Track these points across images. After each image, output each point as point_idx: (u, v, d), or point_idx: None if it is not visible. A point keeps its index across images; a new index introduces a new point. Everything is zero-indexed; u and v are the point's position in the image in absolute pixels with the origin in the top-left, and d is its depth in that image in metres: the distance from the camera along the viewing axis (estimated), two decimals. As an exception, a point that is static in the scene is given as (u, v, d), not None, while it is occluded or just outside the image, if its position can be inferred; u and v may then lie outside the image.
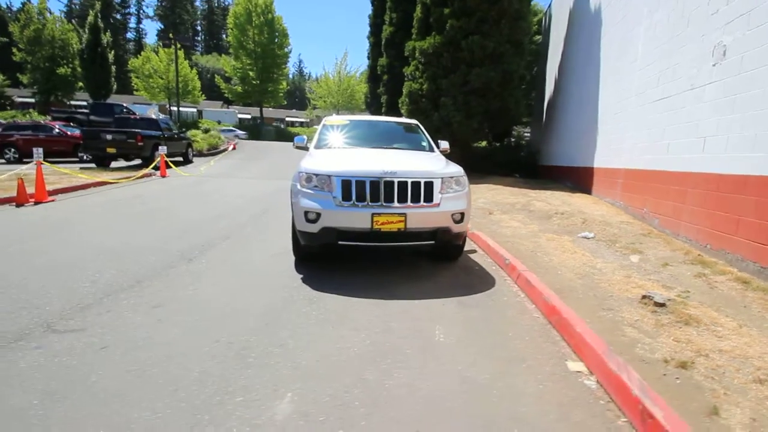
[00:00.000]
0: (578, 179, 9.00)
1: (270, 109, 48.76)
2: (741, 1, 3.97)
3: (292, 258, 4.18)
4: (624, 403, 1.88)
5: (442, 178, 3.72)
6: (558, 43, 12.49)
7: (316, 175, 3.69)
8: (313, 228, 3.60)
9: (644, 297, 3.16)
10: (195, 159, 16.04)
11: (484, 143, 15.63)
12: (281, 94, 41.01)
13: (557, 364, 2.32)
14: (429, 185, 3.65)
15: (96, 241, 4.62)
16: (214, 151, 18.79)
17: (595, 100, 8.23)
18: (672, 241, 4.77)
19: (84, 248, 4.33)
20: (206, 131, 20.91)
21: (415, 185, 3.60)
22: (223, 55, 38.87)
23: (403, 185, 3.57)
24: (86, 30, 29.84)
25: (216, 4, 79.41)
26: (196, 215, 6.36)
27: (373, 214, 3.50)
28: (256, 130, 35.73)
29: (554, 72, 12.66)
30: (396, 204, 3.55)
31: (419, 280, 3.76)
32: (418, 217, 3.57)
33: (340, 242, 3.61)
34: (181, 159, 14.73)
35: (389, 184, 3.55)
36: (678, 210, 4.85)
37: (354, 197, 3.54)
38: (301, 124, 51.44)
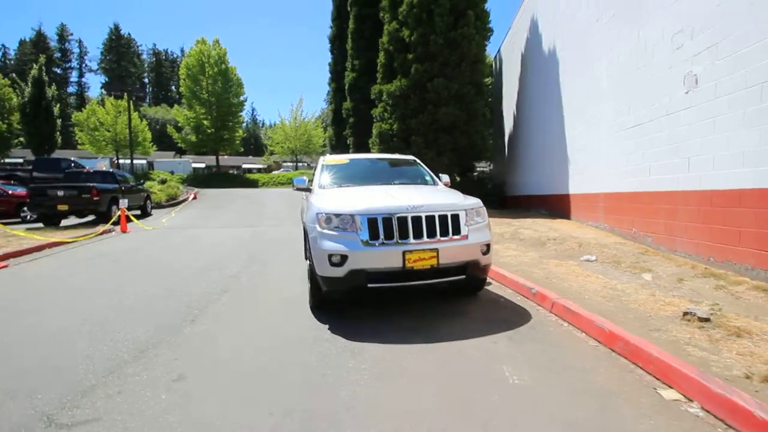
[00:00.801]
0: (554, 206, 9.38)
1: (226, 156, 47.96)
2: (705, 37, 4.45)
3: (303, 308, 3.85)
4: (750, 427, 1.77)
5: (466, 210, 3.64)
6: (512, 83, 13.43)
7: (337, 215, 3.48)
8: (339, 272, 3.34)
9: (686, 314, 3.17)
10: (154, 211, 15.09)
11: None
12: (237, 142, 40.54)
13: (650, 394, 2.19)
14: (456, 218, 3.55)
15: (76, 308, 4.00)
16: (173, 201, 17.85)
17: (562, 132, 8.77)
18: (672, 257, 4.96)
19: (63, 317, 3.72)
20: (163, 182, 19.91)
21: (443, 219, 3.49)
22: (175, 105, 38.07)
23: (431, 219, 3.45)
24: (29, 84, 28.27)
25: (164, 57, 78.96)
26: (178, 269, 5.81)
27: (404, 252, 3.31)
28: (213, 178, 34.58)
29: (512, 110, 13.51)
30: (426, 239, 3.41)
31: (453, 318, 3.56)
32: (450, 251, 3.44)
33: (369, 285, 3.37)
34: (139, 212, 13.78)
35: (417, 220, 3.41)
36: (671, 227, 5.09)
37: (382, 235, 3.36)
38: (259, 170, 50.79)
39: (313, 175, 6.31)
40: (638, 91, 5.82)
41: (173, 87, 72.61)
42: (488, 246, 3.68)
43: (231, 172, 46.17)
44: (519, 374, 2.46)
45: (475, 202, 3.83)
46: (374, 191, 4.21)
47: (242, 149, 46.09)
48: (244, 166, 54.10)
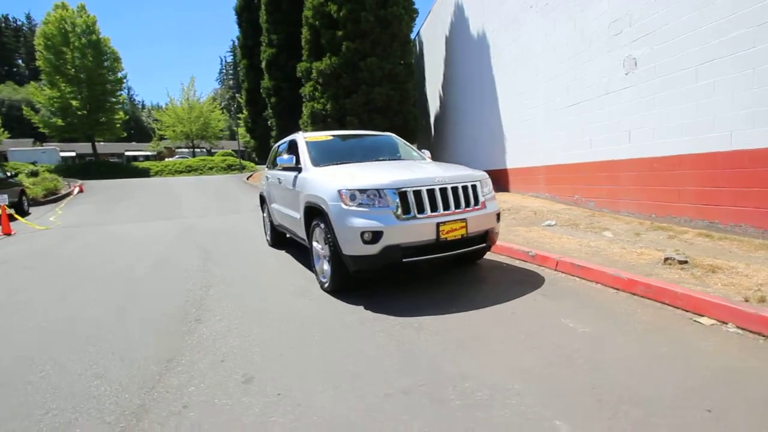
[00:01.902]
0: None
1: (102, 143, 41.36)
2: (643, 24, 5.18)
3: (320, 294, 3.63)
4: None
5: (480, 181, 3.76)
6: (436, 65, 13.94)
7: (363, 190, 3.31)
8: (373, 249, 3.21)
9: (666, 259, 3.76)
10: (32, 209, 12.42)
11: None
12: (118, 125, 35.17)
13: (692, 323, 2.60)
14: (474, 188, 3.65)
15: (16, 340, 3.16)
16: (53, 196, 14.87)
17: (497, 112, 9.46)
18: (618, 217, 5.80)
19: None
20: (34, 174, 16.39)
21: (465, 189, 3.56)
22: (32, 83, 31.28)
23: (456, 190, 3.49)
24: None
25: (4, 24, 63.60)
26: (123, 271, 4.93)
27: (438, 224, 3.31)
28: (91, 168, 29.45)
29: (437, 91, 14.07)
30: (455, 210, 3.45)
31: (478, 285, 3.71)
32: (475, 220, 3.53)
33: (405, 260, 3.30)
34: (13, 210, 11.21)
35: (444, 191, 3.43)
36: (613, 192, 5.93)
37: (415, 208, 3.30)
38: (146, 157, 44.86)
39: (277, 154, 5.87)
40: (576, 73, 6.55)
41: (20, 61, 59.41)
42: (498, 215, 3.87)
43: (113, 160, 40.10)
44: (580, 325, 2.69)
45: (483, 173, 3.96)
46: (379, 167, 4.08)
47: (125, 134, 40.17)
48: (128, 153, 47.32)
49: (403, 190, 3.30)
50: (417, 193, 3.33)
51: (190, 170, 34.35)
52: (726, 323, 2.53)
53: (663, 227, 4.91)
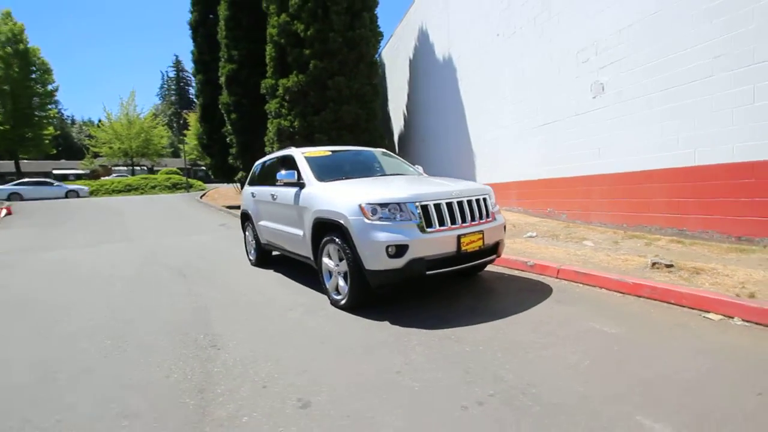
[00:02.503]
0: (460, 197, 10.48)
1: (26, 161, 37.58)
2: (609, 54, 5.75)
3: (335, 312, 3.54)
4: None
5: (488, 194, 3.90)
6: (399, 87, 14.37)
7: (384, 204, 3.30)
8: (398, 263, 3.20)
9: (654, 264, 4.10)
10: (-50, 235, 10.85)
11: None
12: (47, 142, 32.17)
13: (703, 319, 2.85)
14: (485, 201, 3.78)
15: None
16: (-27, 220, 13.13)
17: (466, 131, 9.90)
18: (592, 228, 6.24)
19: None
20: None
21: (478, 202, 3.68)
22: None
23: (470, 203, 3.59)
24: None
25: None
26: (98, 297, 4.45)
27: (459, 236, 3.38)
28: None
29: (401, 111, 14.46)
30: (472, 222, 3.54)
31: (490, 296, 3.80)
32: (490, 232, 3.64)
33: (428, 273, 3.31)
34: (-72, 237, 9.76)
35: (461, 204, 3.52)
36: (586, 204, 6.40)
37: (436, 221, 3.34)
38: (79, 176, 41.15)
39: (264, 171, 5.69)
40: (546, 96, 7.07)
41: None
42: (505, 226, 4.03)
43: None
44: (607, 327, 2.85)
45: (488, 187, 4.11)
46: (390, 182, 4.10)
47: (54, 151, 36.75)
48: (56, 171, 43.11)
49: (424, 203, 3.34)
50: (437, 207, 3.38)
51: (130, 189, 32.05)
52: (732, 317, 2.81)
53: (637, 236, 5.36)
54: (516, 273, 4.57)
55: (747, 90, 4.12)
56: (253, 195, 5.70)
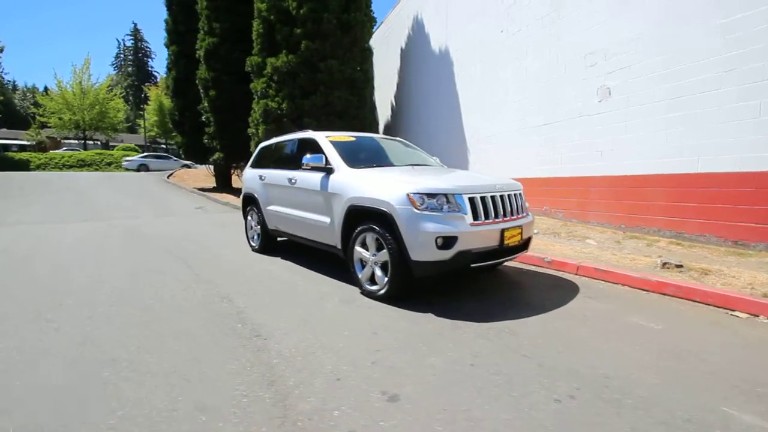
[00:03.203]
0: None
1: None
2: (618, 59, 5.96)
3: (370, 302, 3.47)
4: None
5: (521, 190, 3.96)
6: (389, 75, 14.21)
7: (432, 195, 3.26)
8: (446, 255, 3.18)
9: (665, 264, 4.35)
10: None
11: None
12: (-13, 107, 29.12)
13: (730, 317, 3.06)
14: (521, 197, 3.84)
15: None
16: None
17: (460, 126, 9.97)
18: (590, 227, 6.51)
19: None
20: None
21: (515, 197, 3.72)
22: None
23: (510, 198, 3.63)
24: None
25: None
26: (94, 283, 4.10)
27: (503, 230, 3.40)
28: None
29: (389, 101, 14.33)
30: (513, 217, 3.58)
31: (519, 291, 3.87)
32: (526, 227, 3.71)
33: (472, 265, 3.32)
34: None
35: (503, 198, 3.54)
36: (584, 204, 6.65)
37: (483, 215, 3.35)
38: (23, 147, 37.72)
39: (268, 152, 5.47)
40: (549, 96, 7.24)
41: None
42: (533, 222, 4.11)
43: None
44: (648, 322, 2.98)
45: (519, 183, 4.16)
46: (428, 172, 4.03)
47: (-5, 118, 33.42)
48: (-4, 141, 39.25)
49: (472, 195, 3.33)
50: (483, 200, 3.38)
51: (83, 165, 29.83)
52: (758, 316, 3.04)
53: (636, 236, 5.65)
54: (533, 268, 4.68)
55: (754, 105, 4.42)
56: (261, 178, 5.44)
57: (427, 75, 11.63)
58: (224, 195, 14.57)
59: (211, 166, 17.82)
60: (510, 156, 8.27)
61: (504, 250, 3.47)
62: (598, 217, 6.44)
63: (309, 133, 4.86)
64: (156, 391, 2.09)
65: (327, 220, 4.10)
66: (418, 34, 12.19)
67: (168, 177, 19.92)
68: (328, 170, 4.13)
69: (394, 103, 14.07)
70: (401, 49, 13.30)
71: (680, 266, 4.26)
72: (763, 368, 2.32)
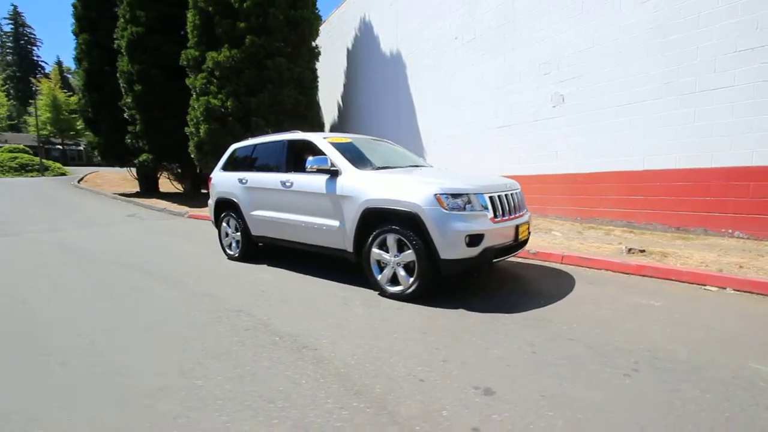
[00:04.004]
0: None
1: None
2: (570, 69, 6.64)
3: (391, 303, 3.50)
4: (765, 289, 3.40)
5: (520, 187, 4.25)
6: (334, 75, 14.09)
7: (456, 194, 3.38)
8: (474, 252, 3.33)
9: (630, 249, 4.97)
10: None
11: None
12: None
13: (704, 290, 3.62)
14: (521, 194, 4.12)
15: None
16: None
17: (415, 126, 10.27)
18: (551, 220, 7.15)
19: None
20: None
21: (520, 195, 4.00)
22: None
23: (515, 196, 3.88)
24: None
25: None
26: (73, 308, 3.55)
27: (517, 226, 3.64)
28: None
29: (334, 100, 14.21)
30: (520, 213, 3.84)
31: (518, 283, 4.15)
32: (529, 223, 3.99)
33: (494, 261, 3.51)
34: None
35: (510, 196, 3.78)
36: (542, 200, 7.29)
37: (501, 212, 3.55)
38: None
39: (249, 154, 5.20)
40: (506, 100, 7.80)
41: None
42: (529, 218, 4.44)
43: None
44: (646, 300, 3.42)
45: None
46: (437, 173, 4.12)
47: None
48: None
49: (491, 195, 3.51)
50: (499, 198, 3.58)
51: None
52: (725, 288, 3.65)
53: (593, 227, 6.36)
54: (521, 260, 5.04)
55: (689, 112, 5.26)
56: (241, 181, 5.10)
57: (378, 77, 11.76)
58: (156, 201, 13.24)
59: (133, 169, 16.08)
60: (469, 157, 8.73)
61: (517, 245, 3.71)
62: (557, 211, 7.12)
63: (301, 134, 4.69)
64: (250, 421, 1.91)
65: (335, 223, 4.00)
66: (366, 36, 12.26)
67: (79, 182, 17.48)
68: (333, 172, 4.03)
69: (341, 104, 13.97)
70: (348, 50, 13.26)
71: (643, 251, 4.91)
72: (758, 330, 2.81)
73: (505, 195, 3.66)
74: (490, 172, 4.92)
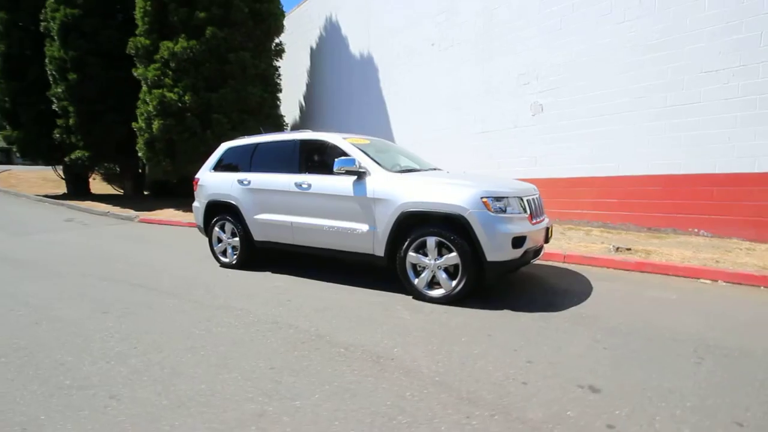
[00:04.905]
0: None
1: None
2: (547, 81, 7.09)
3: (433, 307, 3.49)
4: (752, 281, 3.89)
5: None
6: (297, 75, 13.63)
7: (499, 198, 3.45)
8: (518, 253, 3.43)
9: (617, 248, 5.41)
10: None
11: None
12: None
13: (700, 283, 4.06)
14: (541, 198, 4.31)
15: None
16: None
17: (389, 130, 10.28)
18: (530, 221, 7.53)
19: None
20: None
21: (540, 199, 4.17)
22: None
23: (538, 200, 4.05)
24: None
25: None
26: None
27: (547, 228, 3.80)
28: None
29: (296, 100, 13.77)
30: (544, 216, 4.01)
31: (535, 282, 4.33)
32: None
33: (532, 261, 3.63)
34: None
35: (536, 200, 3.94)
36: (521, 202, 7.67)
37: (535, 215, 3.68)
38: None
39: (250, 154, 4.88)
40: (485, 107, 8.11)
41: None
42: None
43: None
44: (661, 294, 3.75)
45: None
46: (465, 176, 4.13)
47: None
48: None
49: (527, 198, 3.64)
50: (530, 202, 3.71)
51: None
52: (717, 280, 4.12)
53: (573, 228, 6.84)
54: (523, 260, 5.25)
55: (661, 124, 5.88)
56: (242, 183, 4.73)
57: (346, 78, 11.60)
58: (93, 203, 11.81)
59: (60, 168, 14.20)
60: (447, 161, 8.88)
61: (542, 247, 3.88)
62: (535, 213, 7.52)
63: (315, 134, 4.47)
64: (375, 438, 1.77)
65: (363, 227, 3.87)
66: (333, 36, 12.04)
67: (-13, 182, 15.03)
68: (359, 174, 3.90)
69: (303, 104, 13.57)
70: (311, 49, 12.93)
71: (629, 249, 5.38)
72: None
73: (533, 199, 3.80)
74: (506, 177, 5.06)
